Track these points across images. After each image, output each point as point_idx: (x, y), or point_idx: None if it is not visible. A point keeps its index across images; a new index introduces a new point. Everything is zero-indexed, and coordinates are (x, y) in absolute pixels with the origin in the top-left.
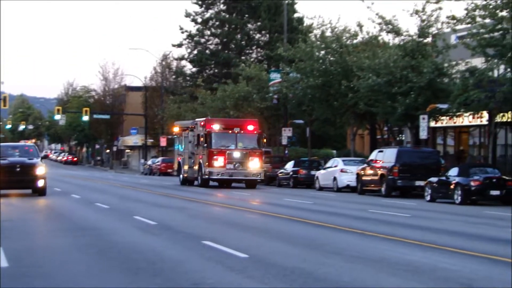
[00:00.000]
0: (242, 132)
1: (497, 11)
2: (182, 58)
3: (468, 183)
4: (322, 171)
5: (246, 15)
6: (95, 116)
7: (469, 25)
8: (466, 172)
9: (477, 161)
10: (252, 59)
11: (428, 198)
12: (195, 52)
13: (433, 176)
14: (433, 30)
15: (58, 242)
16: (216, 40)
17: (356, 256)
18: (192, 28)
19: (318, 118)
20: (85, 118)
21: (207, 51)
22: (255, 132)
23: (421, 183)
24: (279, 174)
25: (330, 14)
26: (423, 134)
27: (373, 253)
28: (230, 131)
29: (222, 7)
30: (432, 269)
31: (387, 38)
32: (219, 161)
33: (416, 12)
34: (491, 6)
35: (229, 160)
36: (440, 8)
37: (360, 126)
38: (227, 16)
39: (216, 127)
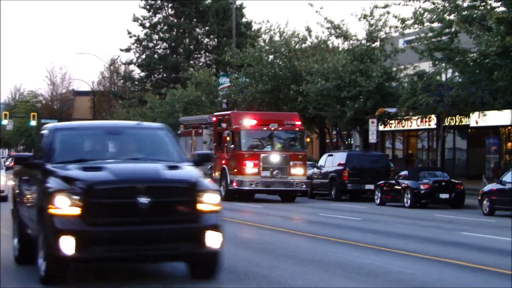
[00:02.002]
0: (280, 129)
1: (445, 15)
2: (130, 62)
3: (417, 187)
4: None
5: (194, 20)
6: (43, 121)
7: (417, 29)
8: (416, 176)
9: (425, 165)
10: (200, 64)
11: (377, 201)
12: (143, 56)
13: (382, 179)
14: (381, 34)
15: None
16: (165, 44)
17: (309, 259)
18: (140, 32)
19: None
20: (33, 123)
21: (156, 56)
22: (297, 128)
23: (371, 186)
24: None
25: (279, 19)
26: (372, 138)
27: (326, 256)
28: (265, 128)
29: (170, 11)
30: (386, 272)
31: (336, 42)
32: (252, 168)
33: (364, 16)
34: (438, 10)
35: (265, 165)
36: (388, 13)
37: (309, 130)
38: (175, 20)
39: (247, 123)
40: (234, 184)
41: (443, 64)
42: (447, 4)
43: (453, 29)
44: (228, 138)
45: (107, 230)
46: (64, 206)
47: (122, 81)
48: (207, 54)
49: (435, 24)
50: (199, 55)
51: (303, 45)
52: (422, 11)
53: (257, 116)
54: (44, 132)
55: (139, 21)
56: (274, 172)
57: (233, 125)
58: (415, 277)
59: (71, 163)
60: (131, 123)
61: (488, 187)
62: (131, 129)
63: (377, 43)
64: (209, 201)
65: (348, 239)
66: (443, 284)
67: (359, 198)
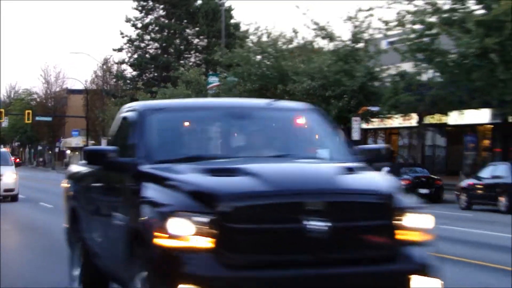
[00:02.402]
0: None
1: (426, 17)
2: (122, 62)
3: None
4: None
5: (185, 21)
6: (37, 118)
7: (399, 31)
8: (397, 172)
9: (406, 161)
10: (190, 63)
11: None
12: (135, 56)
13: None
14: (365, 36)
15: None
16: (156, 44)
17: None
18: (132, 33)
19: None
20: (28, 120)
21: (147, 55)
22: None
23: None
24: None
25: (267, 20)
26: (355, 136)
27: None
28: None
29: (161, 12)
30: None
31: (322, 43)
32: None
33: (349, 18)
34: (420, 12)
35: None
36: (371, 15)
37: None
38: (166, 21)
39: None
40: None
41: (424, 65)
42: (428, 7)
43: (434, 31)
44: None
45: (257, 276)
46: (184, 234)
47: (114, 80)
48: (197, 54)
49: (417, 26)
50: (189, 55)
51: (290, 46)
52: (405, 14)
53: None
54: (131, 114)
55: (132, 22)
56: None
57: None
58: None
59: (182, 162)
60: (261, 102)
61: (465, 182)
62: (265, 111)
63: (361, 44)
64: (414, 226)
65: None
66: None
67: None
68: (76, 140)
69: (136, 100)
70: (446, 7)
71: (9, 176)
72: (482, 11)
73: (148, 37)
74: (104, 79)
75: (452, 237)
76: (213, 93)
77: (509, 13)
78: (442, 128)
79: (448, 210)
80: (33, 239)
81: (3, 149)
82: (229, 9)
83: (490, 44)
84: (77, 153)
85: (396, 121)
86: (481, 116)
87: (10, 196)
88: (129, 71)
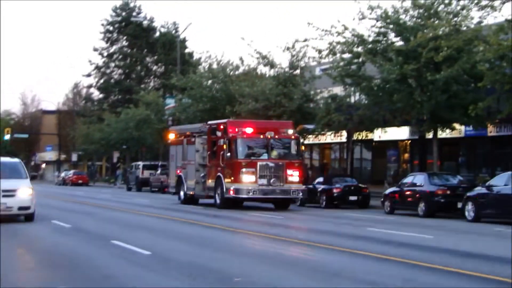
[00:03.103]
0: (276, 137)
1: (354, 47)
2: (90, 86)
3: (331, 190)
4: None
5: (145, 50)
6: (15, 135)
7: (331, 59)
8: (330, 181)
9: (338, 172)
10: (150, 87)
11: (298, 203)
12: (102, 81)
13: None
14: (301, 63)
15: None
16: (120, 71)
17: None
18: (99, 60)
19: None
20: (7, 137)
21: (112, 80)
22: (293, 137)
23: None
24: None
25: (216, 49)
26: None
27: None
28: (262, 136)
29: (124, 43)
30: (306, 261)
31: (264, 70)
32: (249, 176)
33: (287, 48)
34: (349, 43)
35: (262, 173)
36: (307, 46)
37: None
38: (129, 51)
39: (243, 131)
40: (231, 192)
41: (352, 88)
42: (355, 39)
43: (360, 59)
44: (224, 146)
45: None
46: None
47: (83, 101)
48: (156, 79)
49: (346, 55)
50: (149, 80)
51: (237, 72)
52: (335, 44)
53: (253, 125)
54: None
55: (98, 51)
56: (272, 180)
57: (229, 133)
58: (333, 265)
59: None
60: None
61: (389, 190)
62: None
63: (298, 71)
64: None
65: (273, 234)
66: (354, 272)
67: None
68: (50, 155)
69: (103, 119)
70: (371, 39)
71: (25, 192)
72: (401, 43)
73: (113, 64)
74: (74, 101)
75: (377, 237)
76: (170, 113)
77: (424, 44)
78: (368, 143)
79: (374, 214)
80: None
81: (15, 159)
82: (183, 40)
83: (408, 70)
84: (50, 166)
85: (329, 138)
86: (402, 133)
87: (24, 215)
88: (96, 94)
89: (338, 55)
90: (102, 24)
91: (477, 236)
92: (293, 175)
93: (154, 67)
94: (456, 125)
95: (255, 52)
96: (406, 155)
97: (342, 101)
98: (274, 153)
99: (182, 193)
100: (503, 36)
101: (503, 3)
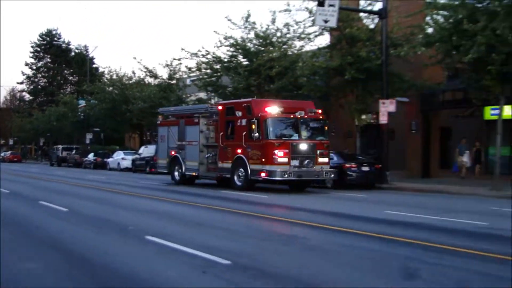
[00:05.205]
0: (305, 116)
1: (214, 65)
2: (23, 90)
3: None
4: (110, 159)
5: (63, 65)
6: None
7: (198, 73)
8: None
9: None
10: (67, 92)
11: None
12: (31, 87)
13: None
14: (176, 76)
15: None
16: (45, 80)
17: (149, 210)
18: (30, 72)
19: (108, 128)
20: None
21: (39, 87)
22: (321, 116)
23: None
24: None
25: (116, 64)
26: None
27: (155, 208)
28: (292, 116)
29: (48, 59)
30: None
31: (150, 80)
32: (283, 157)
33: (167, 65)
34: (210, 62)
35: (295, 154)
36: (180, 63)
37: (133, 131)
38: (52, 65)
39: (273, 110)
40: (263, 174)
41: (212, 94)
42: (215, 59)
43: (218, 74)
44: (252, 126)
45: None
46: None
47: (18, 102)
48: (71, 86)
49: (208, 70)
50: (66, 87)
51: (130, 81)
52: (201, 63)
53: (280, 104)
54: None
55: (29, 65)
56: (305, 162)
57: (256, 112)
58: (225, 223)
59: None
60: None
61: None
62: None
63: (174, 81)
64: None
65: (161, 196)
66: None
67: (165, 173)
68: None
69: (33, 115)
70: (226, 59)
71: None
72: (247, 62)
73: (39, 75)
74: (11, 101)
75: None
76: (82, 110)
77: (263, 64)
78: None
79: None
80: None
81: None
82: (91, 58)
83: (252, 82)
84: None
85: None
86: None
87: None
88: (27, 97)
89: (202, 70)
90: (32, 46)
91: None
92: (323, 156)
93: (70, 78)
94: None
95: (143, 67)
96: None
97: (205, 103)
98: (304, 133)
99: (176, 173)
100: (316, 59)
101: (316, 36)
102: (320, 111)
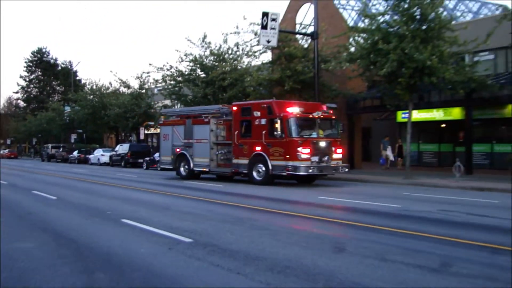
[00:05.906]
0: (322, 116)
1: (177, 77)
2: (18, 98)
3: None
4: (92, 155)
5: (52, 77)
6: None
7: (163, 84)
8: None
9: None
10: (55, 100)
11: (144, 167)
12: (25, 96)
13: (146, 157)
14: (146, 86)
15: None
16: (37, 90)
17: (121, 198)
18: (23, 83)
19: (89, 129)
20: None
21: (32, 95)
22: (333, 116)
23: (141, 160)
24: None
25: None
26: (141, 137)
27: (129, 196)
28: (311, 116)
29: (39, 73)
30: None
31: (124, 89)
32: (306, 154)
33: (138, 77)
34: (174, 75)
35: (315, 151)
36: (149, 76)
37: (111, 132)
38: (42, 77)
39: (294, 110)
40: (289, 169)
41: (176, 101)
42: (177, 72)
43: (180, 85)
44: (276, 125)
45: None
46: None
47: (14, 108)
48: (59, 95)
49: (172, 82)
50: (54, 95)
51: (107, 91)
52: (166, 75)
53: (299, 105)
54: None
55: (23, 78)
56: (324, 158)
57: (278, 112)
58: (187, 208)
59: None
60: None
61: None
62: None
63: (144, 90)
64: None
65: (135, 186)
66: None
67: (136, 166)
68: None
69: (26, 119)
70: (186, 72)
71: None
72: (204, 75)
73: (32, 85)
74: (8, 108)
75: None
76: (67, 115)
77: (217, 76)
78: None
79: None
80: None
81: None
82: (75, 72)
83: (208, 91)
84: None
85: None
86: None
87: None
88: (22, 103)
89: (167, 82)
90: (25, 61)
91: None
92: (337, 152)
93: (58, 88)
94: None
95: (118, 79)
96: None
97: (170, 108)
98: (322, 132)
99: (182, 169)
100: (260, 72)
101: (260, 53)
102: (331, 111)
